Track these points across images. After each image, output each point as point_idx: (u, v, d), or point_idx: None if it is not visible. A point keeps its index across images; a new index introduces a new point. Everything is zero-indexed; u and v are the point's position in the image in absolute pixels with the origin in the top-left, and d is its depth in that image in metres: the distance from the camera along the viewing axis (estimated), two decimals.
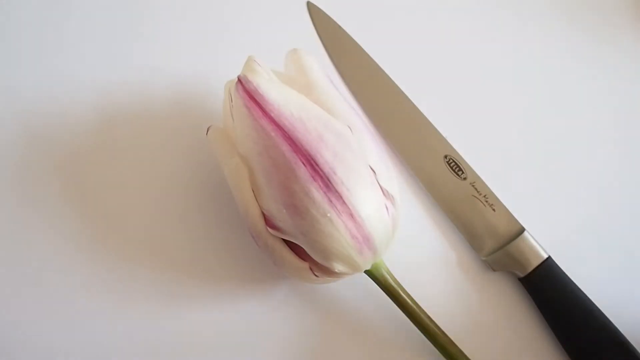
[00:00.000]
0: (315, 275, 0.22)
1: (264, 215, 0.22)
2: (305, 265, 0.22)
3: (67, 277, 0.25)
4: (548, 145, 0.29)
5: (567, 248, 0.26)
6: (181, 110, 0.28)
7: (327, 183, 0.20)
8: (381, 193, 0.22)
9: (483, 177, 0.27)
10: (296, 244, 0.22)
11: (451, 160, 0.27)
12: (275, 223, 0.21)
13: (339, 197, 0.20)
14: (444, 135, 0.28)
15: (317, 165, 0.20)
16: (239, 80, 0.21)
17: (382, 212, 0.22)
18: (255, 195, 0.22)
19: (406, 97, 0.29)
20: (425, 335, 0.24)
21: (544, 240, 0.26)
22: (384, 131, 0.28)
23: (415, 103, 0.29)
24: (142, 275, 0.25)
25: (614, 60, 0.30)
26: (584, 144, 0.29)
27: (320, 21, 0.31)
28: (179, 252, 0.26)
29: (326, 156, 0.20)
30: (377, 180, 0.22)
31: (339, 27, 0.30)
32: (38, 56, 0.29)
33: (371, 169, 0.22)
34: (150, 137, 0.28)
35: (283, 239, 0.22)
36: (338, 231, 0.21)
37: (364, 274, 0.23)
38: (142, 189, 0.27)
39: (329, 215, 0.20)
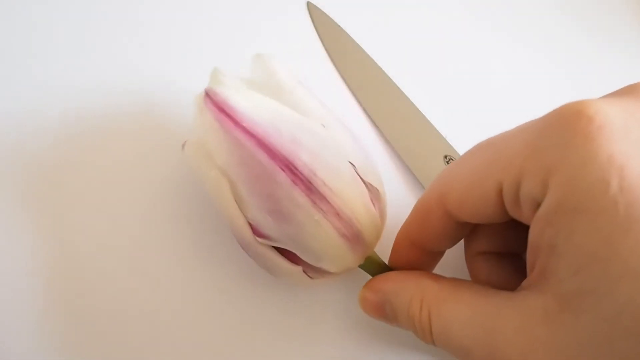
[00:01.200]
0: (310, 277, 0.22)
1: (250, 225, 0.21)
2: (298, 269, 0.22)
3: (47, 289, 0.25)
4: None
5: None
6: (156, 121, 0.28)
7: (308, 185, 0.20)
8: (364, 187, 0.22)
9: None
10: (287, 249, 0.22)
11: (451, 160, 0.27)
12: (262, 231, 0.21)
13: (323, 197, 0.20)
14: (444, 135, 0.28)
15: (296, 169, 0.20)
16: (206, 93, 0.21)
17: (368, 205, 0.22)
18: (239, 206, 0.21)
19: (406, 97, 0.29)
20: None
21: None
22: (384, 131, 0.28)
23: (415, 103, 0.28)
24: (121, 291, 0.25)
25: (614, 60, 0.30)
26: None
27: (320, 21, 0.30)
28: (165, 267, 0.26)
29: (304, 158, 0.20)
30: (358, 175, 0.22)
31: (339, 27, 0.30)
32: (6, 63, 0.29)
33: (351, 164, 0.22)
34: (125, 151, 0.27)
35: (273, 246, 0.22)
36: (326, 232, 0.21)
37: (359, 268, 0.23)
38: (118, 203, 0.27)
39: (315, 217, 0.20)
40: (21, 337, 0.24)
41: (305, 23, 0.30)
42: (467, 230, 0.21)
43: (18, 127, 0.27)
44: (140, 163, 0.27)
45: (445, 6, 0.31)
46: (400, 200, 0.27)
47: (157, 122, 0.28)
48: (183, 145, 0.23)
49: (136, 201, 0.27)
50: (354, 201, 0.21)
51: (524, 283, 0.18)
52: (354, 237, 0.21)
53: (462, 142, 0.28)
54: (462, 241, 0.23)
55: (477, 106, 0.29)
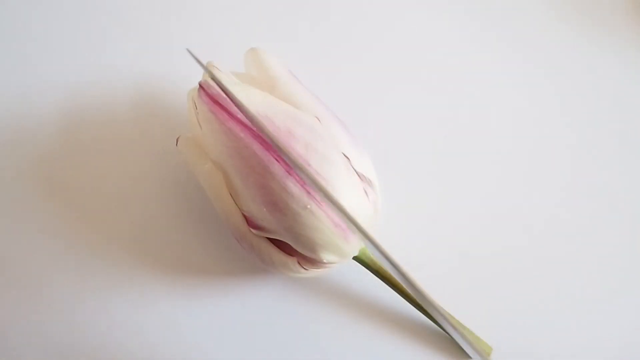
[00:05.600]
0: (305, 269, 0.22)
1: (245, 217, 0.22)
2: (293, 260, 0.22)
3: (46, 279, 0.25)
4: (548, 146, 0.29)
5: None
6: (152, 115, 0.28)
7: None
8: (357, 178, 0.22)
9: None
10: (281, 241, 0.22)
11: None
12: (257, 223, 0.21)
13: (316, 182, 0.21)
14: (444, 135, 0.28)
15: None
16: (201, 86, 0.21)
17: (361, 196, 0.22)
18: (233, 199, 0.22)
19: None
20: (420, 311, 0.24)
21: None
22: None
23: (414, 102, 0.29)
24: (126, 275, 0.26)
25: (612, 61, 0.30)
26: (584, 143, 0.29)
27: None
28: (159, 261, 0.26)
29: (298, 149, 0.20)
30: (352, 166, 0.22)
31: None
32: (2, 57, 0.29)
33: (344, 155, 0.22)
34: (120, 146, 0.28)
35: (267, 238, 0.22)
36: (320, 221, 0.21)
37: (353, 260, 0.23)
38: (113, 197, 0.27)
39: (309, 207, 0.20)
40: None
41: (304, 21, 0.31)
42: None
43: (15, 125, 0.28)
44: (135, 157, 0.27)
45: (445, 5, 0.31)
46: (400, 200, 0.27)
47: (152, 117, 0.28)
48: (177, 140, 0.23)
49: (131, 195, 0.27)
50: (347, 191, 0.21)
51: None
52: (347, 226, 0.21)
53: (462, 141, 0.28)
54: None
55: (478, 106, 0.29)
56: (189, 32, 0.30)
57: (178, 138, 0.23)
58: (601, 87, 0.30)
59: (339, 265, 0.23)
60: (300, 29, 0.30)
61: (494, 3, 0.31)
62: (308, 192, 0.20)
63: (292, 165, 0.19)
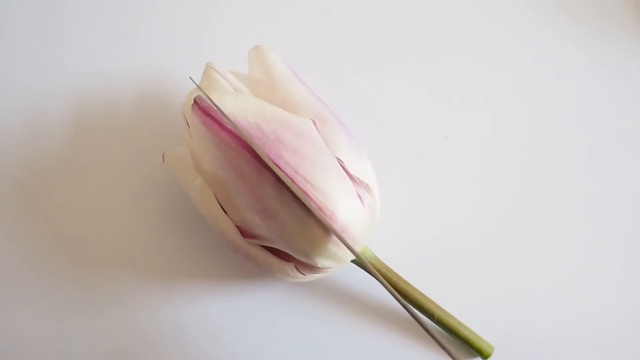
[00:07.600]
0: (303, 274, 0.23)
1: (238, 228, 0.22)
2: (290, 265, 0.22)
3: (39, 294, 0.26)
4: (546, 147, 0.28)
5: None
6: (154, 116, 0.29)
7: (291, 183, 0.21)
8: (351, 182, 0.22)
9: None
10: (277, 248, 0.22)
11: None
12: (251, 232, 0.22)
13: (305, 194, 0.21)
14: (444, 135, 0.28)
15: (278, 167, 0.21)
16: (195, 101, 0.22)
17: (354, 201, 0.22)
18: (225, 211, 0.22)
19: None
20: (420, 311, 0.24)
21: None
22: None
23: (413, 102, 0.29)
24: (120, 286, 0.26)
25: (614, 60, 0.29)
26: (583, 143, 0.28)
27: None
28: (156, 266, 0.26)
29: (286, 157, 0.21)
30: (346, 170, 0.22)
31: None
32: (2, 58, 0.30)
33: (339, 159, 0.22)
34: (116, 150, 0.28)
35: (263, 246, 0.22)
36: (311, 228, 0.21)
37: (352, 263, 0.23)
38: (110, 203, 0.27)
39: (299, 213, 0.21)
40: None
41: (307, 20, 0.31)
42: None
43: (15, 124, 0.29)
44: (131, 162, 0.28)
45: (449, 6, 0.31)
46: (401, 200, 0.27)
47: (154, 118, 0.29)
48: (162, 156, 0.24)
49: (127, 201, 0.27)
50: (337, 196, 0.21)
51: None
52: (340, 232, 0.21)
53: (463, 141, 0.28)
54: None
55: (477, 105, 0.29)
56: (191, 31, 0.30)
57: (164, 154, 0.24)
58: (600, 87, 0.29)
59: (338, 268, 0.23)
60: (303, 29, 0.31)
61: (495, 3, 0.31)
62: (297, 199, 0.21)
63: (281, 178, 0.20)
